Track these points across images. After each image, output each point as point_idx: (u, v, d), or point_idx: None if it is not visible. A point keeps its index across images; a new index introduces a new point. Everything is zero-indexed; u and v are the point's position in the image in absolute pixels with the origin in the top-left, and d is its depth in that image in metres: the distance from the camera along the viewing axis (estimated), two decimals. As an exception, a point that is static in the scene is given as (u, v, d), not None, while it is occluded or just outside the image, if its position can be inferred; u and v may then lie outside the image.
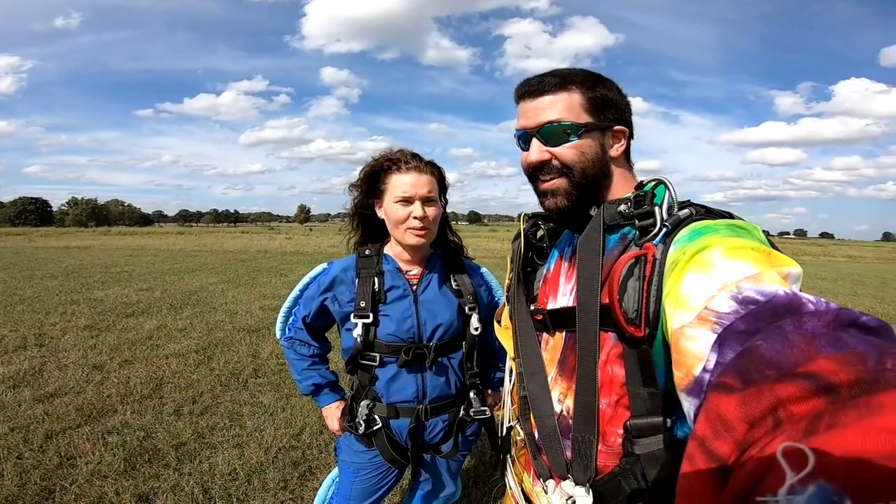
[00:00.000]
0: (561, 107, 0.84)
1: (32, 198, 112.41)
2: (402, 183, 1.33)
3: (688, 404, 0.56)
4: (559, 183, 0.86)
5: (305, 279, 1.51)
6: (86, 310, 6.31)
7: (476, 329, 1.44)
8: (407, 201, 1.33)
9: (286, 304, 1.56)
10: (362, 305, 1.36)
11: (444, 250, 1.52)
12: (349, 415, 1.47)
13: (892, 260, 27.20)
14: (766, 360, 0.43)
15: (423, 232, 1.34)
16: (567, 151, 0.84)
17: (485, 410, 1.48)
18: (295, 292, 1.54)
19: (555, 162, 0.85)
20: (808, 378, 0.37)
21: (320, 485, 1.81)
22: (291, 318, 1.56)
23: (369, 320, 1.36)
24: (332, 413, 1.56)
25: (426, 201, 1.34)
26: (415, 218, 1.32)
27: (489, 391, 1.58)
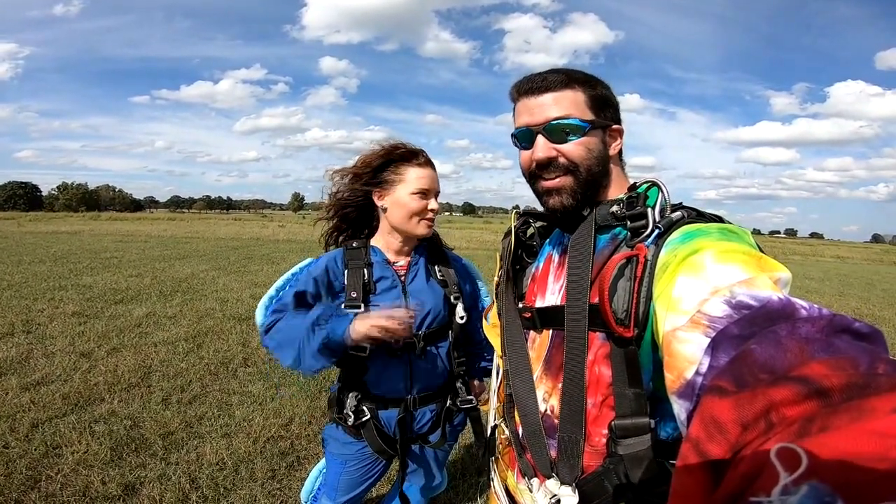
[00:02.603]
0: (567, 104, 0.84)
1: (22, 182, 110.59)
2: (422, 176, 1.39)
3: (678, 407, 0.56)
4: (565, 181, 0.85)
5: (293, 270, 1.49)
6: (74, 296, 6.24)
7: (461, 318, 1.46)
8: (425, 194, 1.39)
9: (268, 293, 1.45)
10: (353, 296, 1.36)
11: (428, 241, 1.53)
12: (337, 406, 1.46)
13: (880, 261, 27.57)
14: (760, 363, 0.43)
15: (432, 224, 1.42)
16: (574, 148, 0.84)
17: (470, 400, 1.50)
18: (279, 283, 1.47)
19: (561, 159, 0.84)
20: (801, 382, 0.37)
21: (308, 475, 1.81)
22: (275, 301, 1.43)
23: (361, 311, 1.35)
24: (361, 321, 1.21)
25: (435, 195, 1.42)
26: (430, 210, 1.39)
27: (474, 381, 1.60)
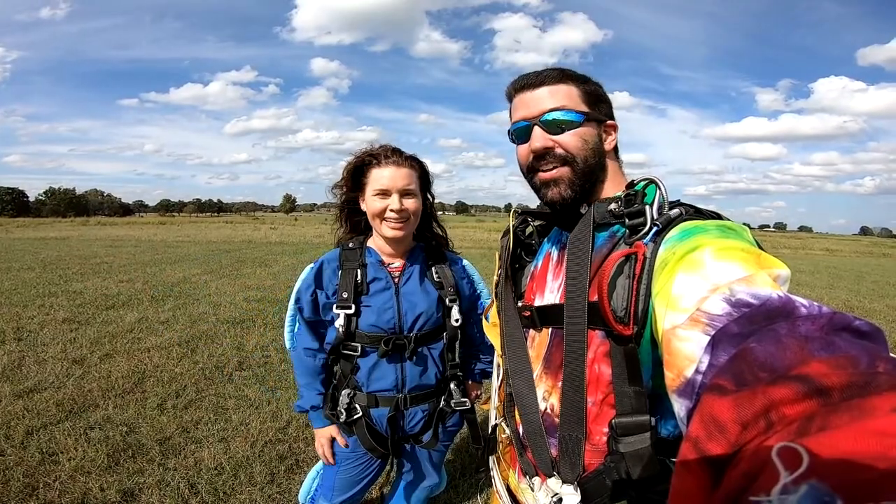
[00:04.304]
0: (561, 96, 0.86)
1: (9, 188, 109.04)
2: (380, 176, 1.36)
3: (678, 405, 0.56)
4: (562, 172, 0.86)
5: (299, 280, 1.50)
6: (64, 302, 6.16)
7: (457, 321, 1.46)
8: (384, 194, 1.35)
9: (288, 311, 1.54)
10: (344, 296, 1.39)
11: (426, 243, 1.54)
12: (331, 403, 1.49)
13: (869, 253, 27.84)
14: (760, 362, 0.43)
15: (400, 224, 1.37)
16: (570, 139, 0.85)
17: (465, 402, 1.50)
18: (293, 297, 1.51)
19: (558, 150, 0.85)
20: (800, 380, 0.37)
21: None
22: (297, 326, 1.53)
23: (351, 311, 1.39)
24: (325, 435, 1.53)
25: (404, 194, 1.36)
26: (391, 210, 1.35)
27: (470, 382, 1.60)
